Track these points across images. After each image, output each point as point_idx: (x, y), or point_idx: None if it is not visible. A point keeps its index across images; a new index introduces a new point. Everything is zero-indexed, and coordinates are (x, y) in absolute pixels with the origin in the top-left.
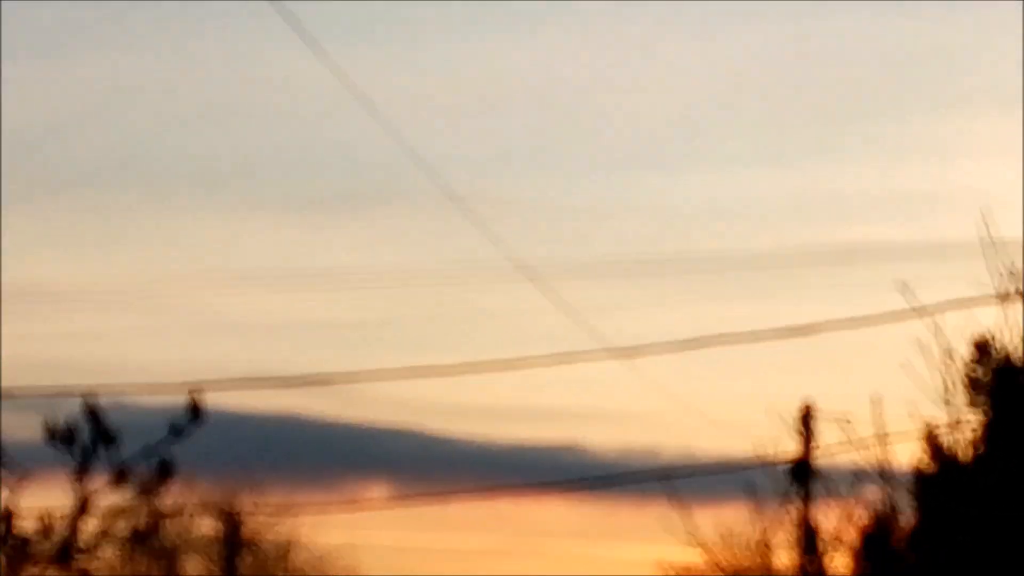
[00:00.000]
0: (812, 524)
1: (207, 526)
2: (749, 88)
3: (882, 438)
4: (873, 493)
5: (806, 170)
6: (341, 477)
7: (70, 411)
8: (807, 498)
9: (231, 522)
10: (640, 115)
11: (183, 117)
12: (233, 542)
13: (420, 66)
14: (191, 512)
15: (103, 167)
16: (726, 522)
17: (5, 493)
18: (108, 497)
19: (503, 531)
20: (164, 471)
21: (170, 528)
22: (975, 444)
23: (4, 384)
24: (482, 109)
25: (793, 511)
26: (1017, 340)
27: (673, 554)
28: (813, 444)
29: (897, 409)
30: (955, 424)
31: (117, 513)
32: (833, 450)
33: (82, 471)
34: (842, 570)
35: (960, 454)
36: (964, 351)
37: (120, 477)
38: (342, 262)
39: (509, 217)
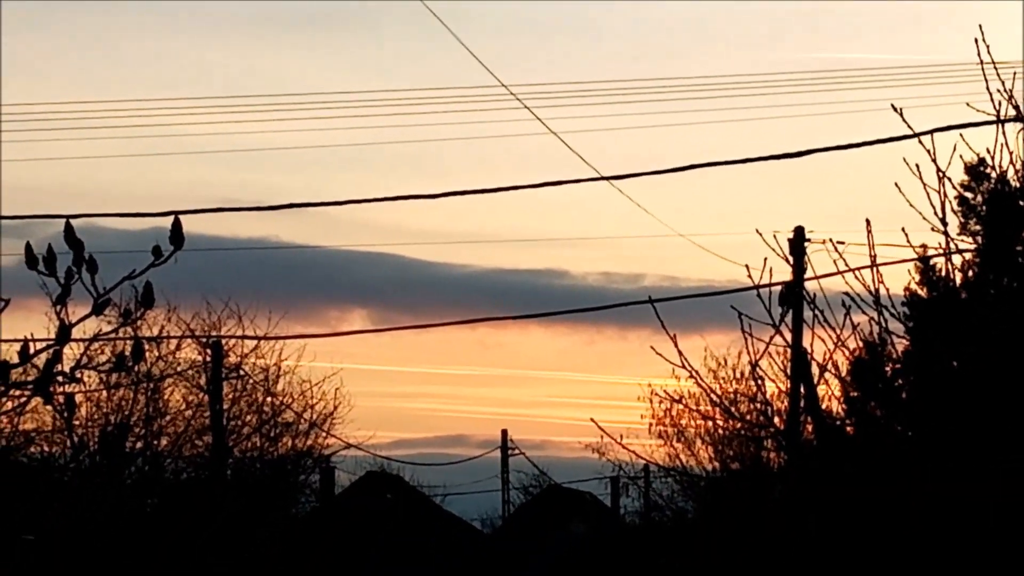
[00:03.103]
0: (802, 351)
1: (191, 353)
2: None
3: (874, 263)
4: (865, 319)
5: None
6: (322, 303)
7: (52, 236)
8: (797, 324)
9: (215, 350)
10: None
11: None
12: (217, 369)
13: None
14: (175, 339)
15: None
16: (714, 349)
17: None
18: (90, 323)
19: (485, 357)
20: (146, 297)
21: (153, 355)
22: (968, 269)
23: None
24: None
25: (783, 338)
26: (1013, 163)
27: (660, 382)
28: (804, 269)
29: (890, 235)
30: (948, 249)
31: (99, 340)
32: (824, 275)
33: (63, 297)
34: (833, 396)
35: (953, 279)
36: (958, 175)
37: (102, 303)
38: (326, 86)
39: (494, 40)
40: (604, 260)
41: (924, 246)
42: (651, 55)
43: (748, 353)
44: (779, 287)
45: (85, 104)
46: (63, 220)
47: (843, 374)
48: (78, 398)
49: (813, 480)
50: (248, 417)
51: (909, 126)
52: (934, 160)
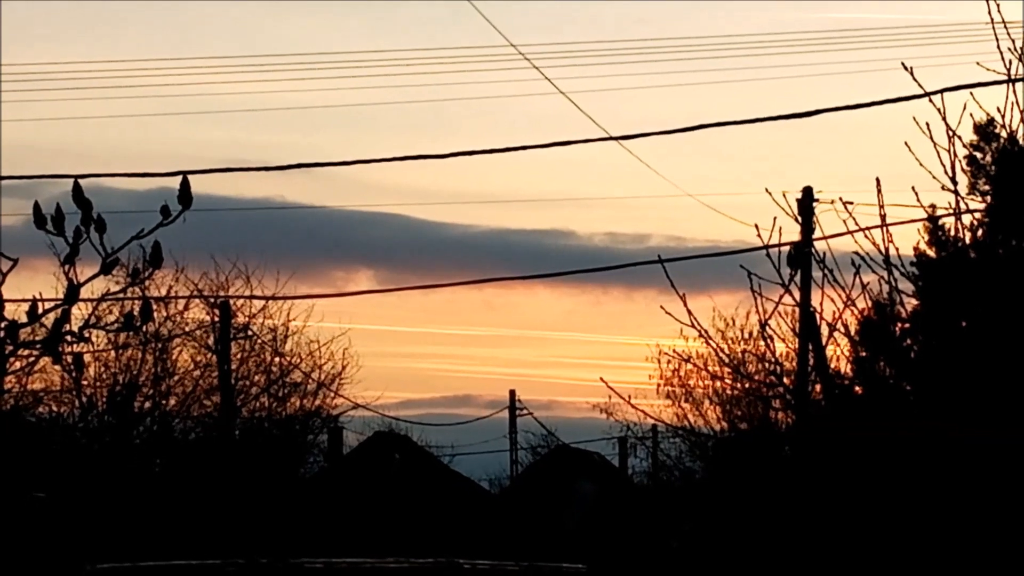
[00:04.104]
0: (811, 310)
1: (199, 313)
2: None
3: (884, 222)
4: (874, 278)
5: None
6: (329, 264)
7: (59, 196)
8: (806, 284)
9: (223, 310)
10: None
11: None
12: (225, 330)
13: None
14: (183, 299)
15: None
16: (721, 310)
17: None
18: (98, 283)
19: (492, 318)
20: (154, 257)
21: (161, 315)
22: (978, 228)
23: None
24: None
25: (792, 297)
26: (1023, 122)
27: (668, 342)
28: (813, 229)
29: (899, 195)
30: (958, 208)
31: (107, 300)
32: (833, 235)
33: (71, 257)
34: (841, 356)
35: (962, 238)
36: (968, 134)
37: (110, 263)
38: (334, 46)
39: (503, 1)
40: (610, 220)
41: (933, 206)
42: (659, 15)
43: (757, 313)
44: (788, 247)
45: (91, 64)
46: (69, 180)
47: (852, 334)
48: (86, 358)
49: (822, 440)
50: (256, 377)
51: (920, 85)
52: (944, 119)
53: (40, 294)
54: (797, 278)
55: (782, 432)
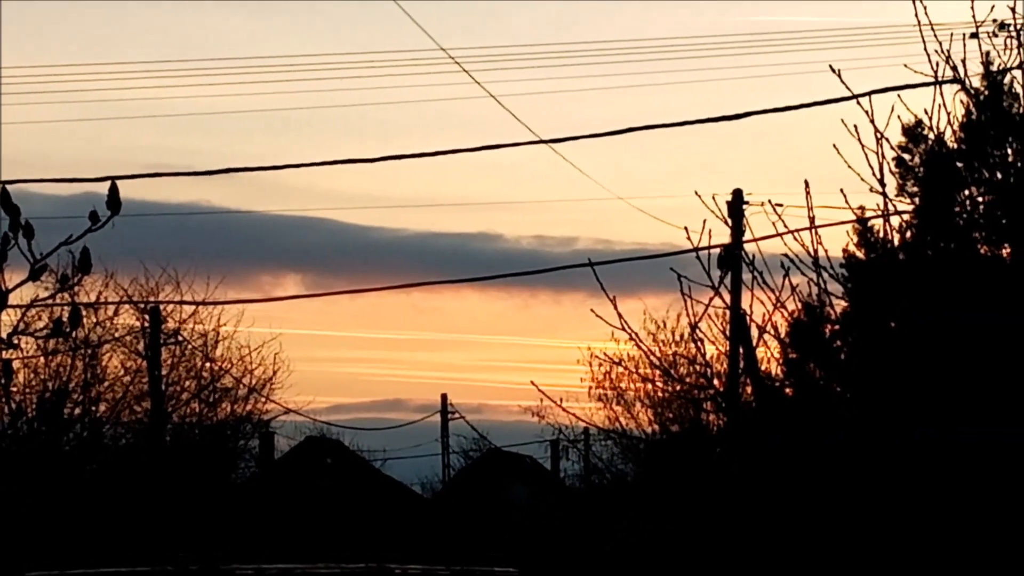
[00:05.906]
0: (741, 313)
1: (129, 319)
2: None
3: (813, 225)
4: (803, 280)
5: None
6: (256, 268)
7: None
8: (736, 286)
9: (153, 315)
10: None
11: None
12: (155, 335)
13: None
14: (112, 305)
15: None
16: (651, 312)
17: None
18: (27, 290)
19: (420, 322)
20: (83, 263)
21: (91, 322)
22: (906, 230)
23: None
24: None
25: (722, 299)
26: (950, 124)
27: (599, 345)
28: (743, 231)
29: (828, 197)
30: (886, 210)
31: (36, 306)
32: (763, 237)
33: None
34: (772, 358)
35: (891, 240)
36: (896, 137)
37: (38, 269)
38: (261, 50)
39: (432, 3)
40: (538, 223)
41: (862, 207)
42: (588, 18)
43: (687, 315)
44: (718, 249)
45: (15, 69)
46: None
47: (782, 335)
48: (15, 364)
49: (752, 441)
50: (187, 383)
51: (847, 87)
52: (872, 121)
53: None
54: (727, 280)
55: (713, 434)
